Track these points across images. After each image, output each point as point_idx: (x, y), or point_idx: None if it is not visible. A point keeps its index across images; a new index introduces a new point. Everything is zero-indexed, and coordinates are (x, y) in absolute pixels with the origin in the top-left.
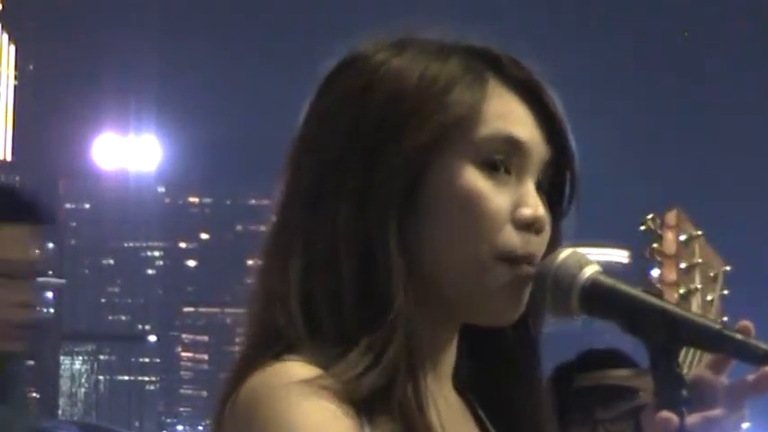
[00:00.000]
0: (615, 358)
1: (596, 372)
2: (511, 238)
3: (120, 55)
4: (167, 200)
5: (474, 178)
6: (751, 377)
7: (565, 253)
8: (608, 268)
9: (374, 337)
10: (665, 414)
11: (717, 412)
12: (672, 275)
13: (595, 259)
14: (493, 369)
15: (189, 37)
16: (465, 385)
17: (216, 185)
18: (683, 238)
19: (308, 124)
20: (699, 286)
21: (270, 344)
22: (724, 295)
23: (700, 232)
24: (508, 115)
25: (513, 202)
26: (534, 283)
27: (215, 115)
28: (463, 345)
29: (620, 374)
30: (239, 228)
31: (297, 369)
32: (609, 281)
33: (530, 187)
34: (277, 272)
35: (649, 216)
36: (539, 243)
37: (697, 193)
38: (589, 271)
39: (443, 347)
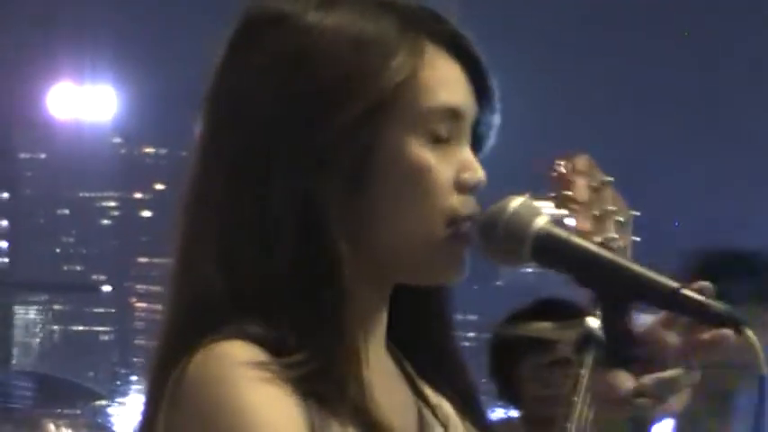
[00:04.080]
0: (546, 310)
1: (521, 324)
2: (455, 203)
3: (77, 3)
4: (123, 150)
5: (420, 151)
6: (707, 336)
7: (517, 201)
8: None
9: (322, 328)
10: (618, 373)
11: (673, 372)
12: (586, 224)
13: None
14: (416, 324)
15: None
16: (392, 340)
17: (171, 136)
18: (594, 184)
19: (233, 85)
20: (614, 235)
21: (198, 320)
22: (634, 242)
23: (610, 178)
24: (448, 83)
25: (456, 168)
26: (484, 230)
27: (172, 65)
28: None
29: (539, 327)
30: None
31: (242, 350)
32: (563, 232)
33: (468, 151)
34: (199, 248)
35: (560, 162)
36: (474, 203)
37: (607, 141)
38: (542, 221)
39: (378, 308)
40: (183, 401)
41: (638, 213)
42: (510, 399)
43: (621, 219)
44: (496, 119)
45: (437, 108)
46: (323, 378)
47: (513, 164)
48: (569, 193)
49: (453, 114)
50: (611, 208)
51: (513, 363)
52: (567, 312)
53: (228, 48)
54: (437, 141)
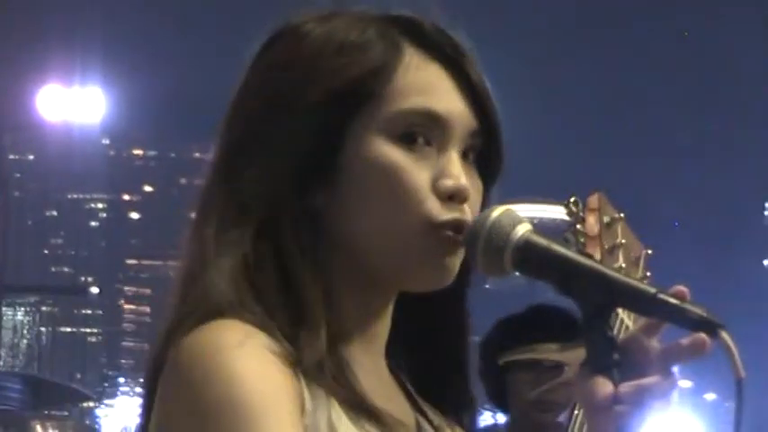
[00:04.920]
0: (539, 320)
1: (522, 346)
2: (434, 208)
3: (65, 5)
4: (112, 152)
5: (390, 152)
6: (685, 341)
7: (498, 211)
8: (545, 225)
9: (291, 314)
10: (599, 380)
11: (651, 380)
12: (596, 254)
13: (532, 215)
14: (421, 342)
15: None
16: (394, 361)
17: (160, 138)
18: (605, 220)
19: (237, 95)
20: (623, 265)
21: (195, 309)
22: (647, 277)
23: (621, 215)
24: (427, 88)
25: (434, 173)
26: (466, 241)
27: (161, 68)
28: (395, 318)
29: (546, 349)
30: (183, 181)
31: (234, 326)
32: (543, 241)
33: (452, 158)
34: (195, 241)
35: (572, 199)
36: (465, 211)
37: (624, 166)
38: (522, 230)
39: (375, 317)
40: (173, 381)
41: (649, 251)
42: (500, 402)
43: (633, 255)
44: (498, 138)
45: (412, 110)
46: (310, 364)
47: (510, 170)
48: (579, 227)
49: (432, 118)
50: (620, 241)
51: (509, 376)
52: (561, 323)
53: (249, 64)
54: (412, 143)
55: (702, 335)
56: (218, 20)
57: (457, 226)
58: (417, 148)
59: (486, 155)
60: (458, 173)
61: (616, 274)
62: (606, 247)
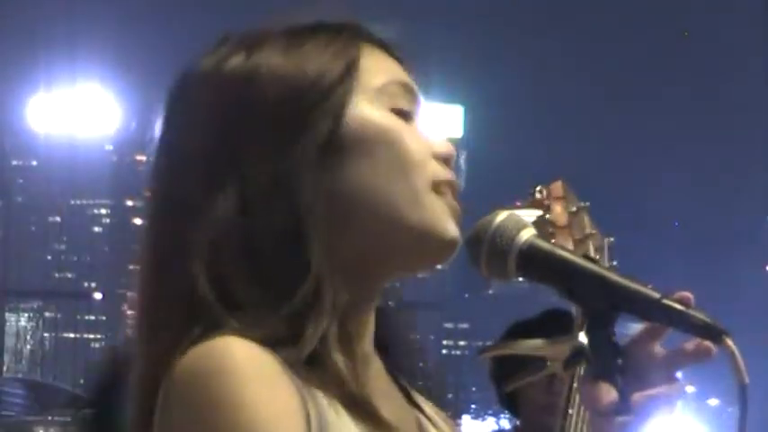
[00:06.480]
0: (548, 323)
1: (507, 342)
2: (438, 168)
3: (68, 12)
4: (115, 158)
5: (388, 117)
6: (689, 345)
7: (502, 215)
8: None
9: (302, 315)
10: (604, 386)
11: (657, 390)
12: (568, 245)
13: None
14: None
15: None
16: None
17: None
18: (571, 209)
19: (183, 139)
20: (596, 257)
21: (185, 321)
22: (614, 266)
23: (587, 204)
24: (391, 67)
25: (426, 140)
26: (470, 244)
27: (164, 73)
28: None
29: (529, 344)
30: None
31: (236, 345)
32: (547, 245)
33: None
34: (178, 245)
35: (537, 187)
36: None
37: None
38: (526, 234)
39: (365, 313)
40: (176, 398)
41: (612, 239)
42: (509, 406)
43: (599, 244)
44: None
45: (391, 81)
46: (315, 369)
47: (503, 169)
48: (548, 217)
49: (409, 89)
50: (589, 232)
51: (510, 376)
52: (569, 325)
53: (167, 115)
54: (400, 116)
55: (707, 341)
56: (220, 20)
57: (453, 187)
58: (405, 120)
59: None
60: (444, 139)
61: (620, 279)
62: (577, 237)
